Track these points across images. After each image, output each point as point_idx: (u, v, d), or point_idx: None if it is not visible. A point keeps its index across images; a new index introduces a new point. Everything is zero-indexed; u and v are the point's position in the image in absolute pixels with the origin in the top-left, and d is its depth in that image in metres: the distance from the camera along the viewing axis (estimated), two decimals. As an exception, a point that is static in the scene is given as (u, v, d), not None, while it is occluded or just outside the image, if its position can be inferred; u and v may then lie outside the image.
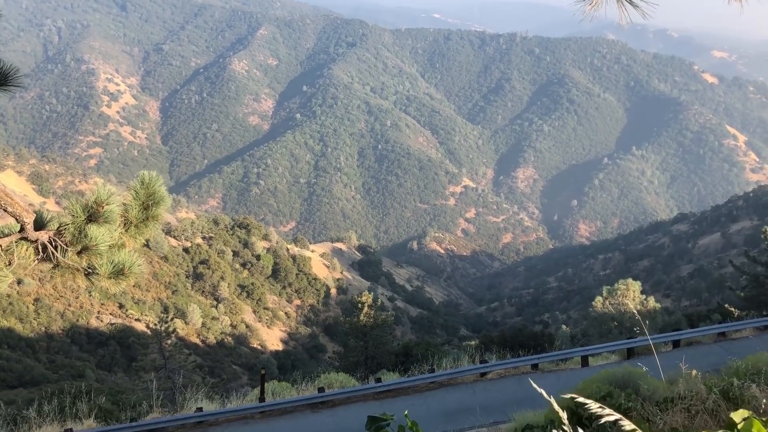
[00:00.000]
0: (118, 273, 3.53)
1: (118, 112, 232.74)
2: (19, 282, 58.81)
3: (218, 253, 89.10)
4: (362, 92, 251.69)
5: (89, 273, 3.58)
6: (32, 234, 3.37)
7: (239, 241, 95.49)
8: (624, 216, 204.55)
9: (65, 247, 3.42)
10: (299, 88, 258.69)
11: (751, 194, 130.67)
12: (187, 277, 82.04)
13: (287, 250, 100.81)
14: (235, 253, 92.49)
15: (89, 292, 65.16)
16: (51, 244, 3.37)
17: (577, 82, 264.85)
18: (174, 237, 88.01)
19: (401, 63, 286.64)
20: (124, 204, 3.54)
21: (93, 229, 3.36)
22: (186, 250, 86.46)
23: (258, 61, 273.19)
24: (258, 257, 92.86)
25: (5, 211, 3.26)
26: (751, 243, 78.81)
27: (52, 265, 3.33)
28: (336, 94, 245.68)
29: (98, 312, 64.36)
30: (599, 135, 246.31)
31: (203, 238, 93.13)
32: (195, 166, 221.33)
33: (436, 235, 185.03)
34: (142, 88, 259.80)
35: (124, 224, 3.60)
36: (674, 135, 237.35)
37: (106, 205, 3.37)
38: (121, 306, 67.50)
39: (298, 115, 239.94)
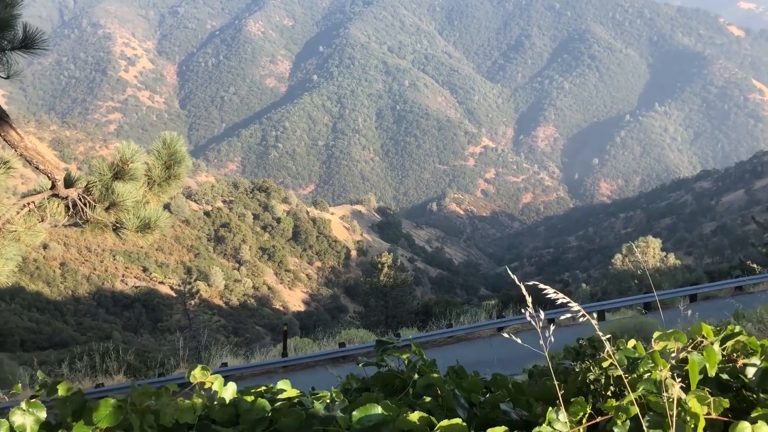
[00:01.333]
0: (145, 227, 3.67)
1: (135, 76, 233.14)
2: (45, 246, 60.04)
3: (239, 217, 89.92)
4: (379, 52, 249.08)
5: (117, 228, 3.69)
6: (63, 191, 3.45)
7: (259, 205, 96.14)
8: (646, 174, 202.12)
9: (93, 203, 3.54)
10: (316, 49, 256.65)
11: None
12: (208, 240, 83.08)
13: (307, 212, 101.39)
14: (256, 216, 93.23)
15: (114, 256, 66.40)
16: (80, 201, 3.53)
17: (598, 37, 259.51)
18: (195, 201, 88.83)
19: (419, 21, 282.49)
20: (147, 164, 3.74)
21: (119, 186, 3.47)
22: (207, 213, 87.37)
23: (274, 22, 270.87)
24: (278, 220, 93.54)
25: (37, 168, 3.41)
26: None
27: (82, 221, 3.56)
28: (353, 54, 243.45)
29: (123, 275, 65.62)
30: (621, 92, 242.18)
31: (224, 201, 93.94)
32: (213, 129, 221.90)
33: (456, 196, 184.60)
34: (159, 51, 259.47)
35: (148, 183, 3.69)
36: (698, 90, 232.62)
37: (131, 163, 3.48)
38: (144, 269, 68.69)
39: (315, 77, 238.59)
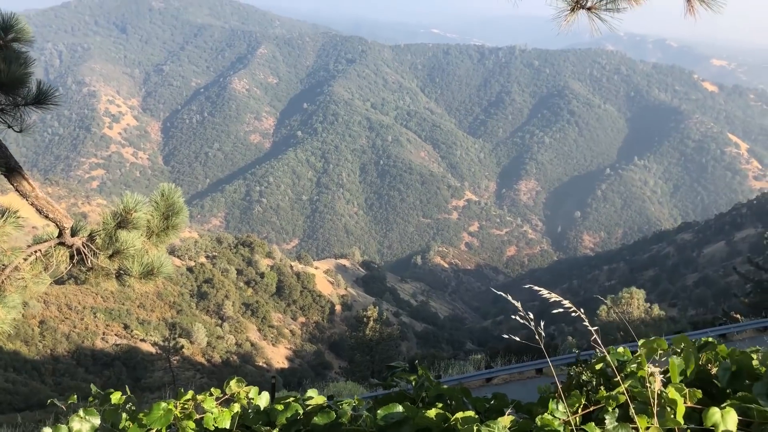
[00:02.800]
0: (148, 273, 3.82)
1: (119, 133, 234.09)
2: (25, 305, 58.83)
3: (222, 272, 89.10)
4: (363, 108, 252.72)
5: (120, 275, 3.84)
6: (69, 239, 3.58)
7: (243, 260, 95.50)
8: (628, 226, 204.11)
9: (97, 251, 3.66)
10: (300, 106, 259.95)
11: (755, 202, 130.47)
12: (191, 296, 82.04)
13: (291, 267, 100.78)
14: (239, 272, 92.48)
15: (94, 314, 65.21)
16: (85, 249, 3.64)
17: (577, 93, 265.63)
18: (178, 257, 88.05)
19: (401, 78, 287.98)
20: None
21: (123, 235, 3.59)
22: (190, 269, 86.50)
23: (258, 80, 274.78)
24: (262, 275, 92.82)
25: (47, 217, 3.58)
26: (756, 250, 78.55)
27: (86, 269, 3.70)
28: (337, 110, 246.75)
29: (103, 333, 64.32)
30: (601, 146, 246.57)
31: (207, 257, 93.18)
32: (197, 185, 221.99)
33: (440, 249, 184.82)
34: (144, 109, 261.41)
35: (147, 233, 3.77)
36: (676, 144, 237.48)
37: (134, 212, 3.59)
38: (126, 327, 67.46)
39: (299, 133, 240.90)
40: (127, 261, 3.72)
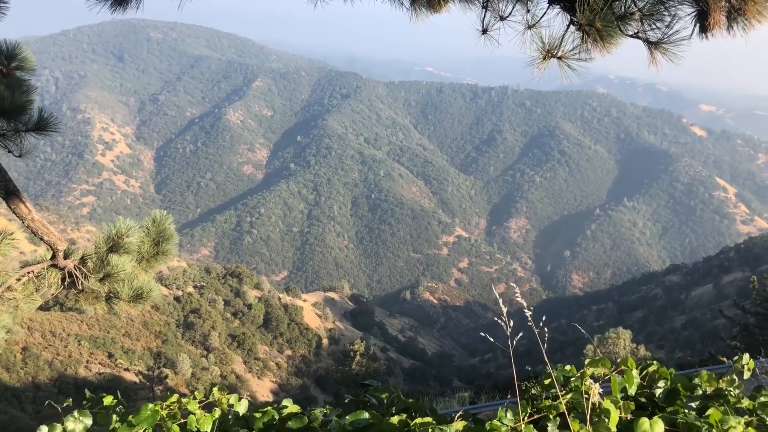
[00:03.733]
0: (138, 297, 3.92)
1: (112, 161, 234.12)
2: (8, 331, 58.11)
3: (209, 303, 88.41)
4: (356, 142, 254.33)
5: (110, 298, 3.94)
6: (62, 262, 3.70)
7: (231, 290, 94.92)
8: (617, 267, 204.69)
9: (88, 274, 3.77)
10: (293, 138, 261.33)
11: (742, 246, 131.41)
12: (177, 326, 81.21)
13: (279, 299, 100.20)
14: (227, 302, 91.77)
15: (78, 341, 64.39)
16: (77, 271, 3.72)
17: (568, 134, 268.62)
18: (166, 286, 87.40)
19: (394, 114, 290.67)
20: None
21: (115, 259, 3.70)
22: (177, 299, 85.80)
23: (253, 112, 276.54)
24: (249, 306, 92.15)
25: (42, 239, 3.69)
26: (743, 294, 78.85)
27: (76, 291, 3.79)
28: (330, 144, 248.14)
29: (87, 361, 63.42)
30: (591, 186, 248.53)
31: (195, 287, 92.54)
32: (188, 215, 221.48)
33: (429, 285, 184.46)
34: (137, 137, 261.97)
35: (137, 258, 3.83)
36: (665, 187, 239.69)
37: (126, 237, 3.66)
38: (110, 355, 66.56)
39: (292, 165, 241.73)
40: (118, 284, 3.78)
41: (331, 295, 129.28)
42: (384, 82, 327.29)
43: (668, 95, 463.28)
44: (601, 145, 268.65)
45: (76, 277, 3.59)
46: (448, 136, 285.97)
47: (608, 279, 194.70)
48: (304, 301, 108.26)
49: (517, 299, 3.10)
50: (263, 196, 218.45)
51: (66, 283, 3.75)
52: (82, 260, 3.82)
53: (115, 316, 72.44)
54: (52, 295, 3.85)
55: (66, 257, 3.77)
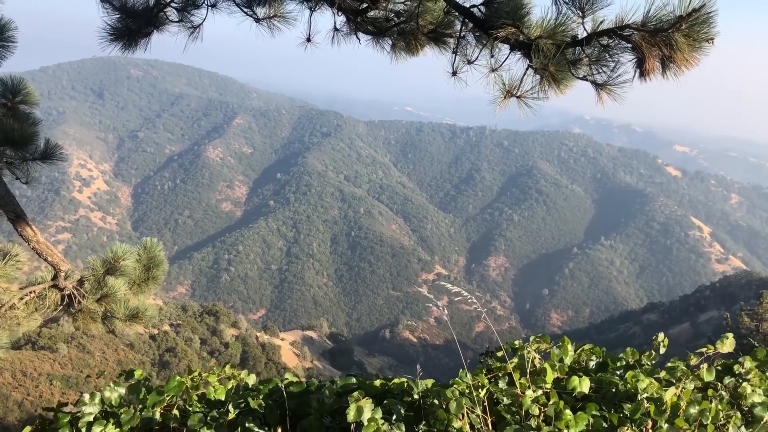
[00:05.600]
0: (134, 316, 4.06)
1: (89, 197, 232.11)
2: (6, 349, 56.74)
3: (186, 341, 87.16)
4: (336, 180, 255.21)
5: (106, 317, 4.22)
6: (62, 283, 3.88)
7: (207, 329, 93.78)
8: (595, 305, 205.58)
9: (85, 295, 3.86)
10: (273, 176, 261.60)
11: (718, 284, 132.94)
12: (152, 365, 79.82)
13: (256, 337, 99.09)
14: (203, 341, 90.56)
15: (50, 381, 62.99)
16: (75, 292, 3.87)
17: (545, 173, 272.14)
18: (121, 328, 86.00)
19: (374, 153, 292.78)
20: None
21: (111, 280, 3.91)
22: (153, 337, 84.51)
23: (233, 149, 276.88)
24: (226, 345, 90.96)
25: (45, 260, 3.86)
26: (719, 332, 79.52)
27: (74, 311, 3.98)
28: (310, 181, 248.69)
29: (58, 401, 61.96)
30: (568, 225, 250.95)
31: (171, 325, 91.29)
32: (165, 252, 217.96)
33: (409, 323, 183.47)
34: (115, 173, 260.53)
35: (128, 283, 4.04)
36: (641, 226, 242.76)
37: (123, 261, 3.90)
38: (82, 395, 65.05)
39: (271, 202, 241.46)
40: (115, 305, 3.99)
41: (310, 333, 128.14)
42: (364, 121, 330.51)
43: (643, 136, 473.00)
44: (578, 185, 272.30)
45: (75, 297, 3.92)
46: (427, 175, 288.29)
47: (587, 317, 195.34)
48: (282, 339, 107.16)
49: (469, 298, 3.99)
50: (242, 234, 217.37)
51: (65, 303, 4.03)
52: (80, 282, 4.01)
53: (89, 355, 71.15)
54: (53, 314, 4.09)
55: (65, 279, 4.00)
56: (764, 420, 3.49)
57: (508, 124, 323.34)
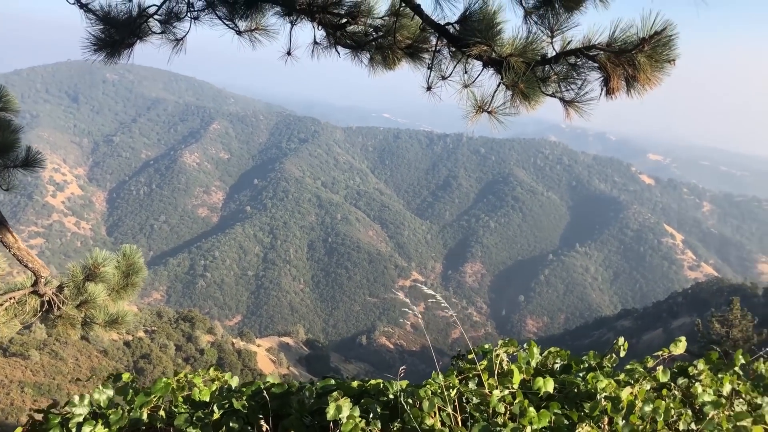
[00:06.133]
0: (114, 322, 4.15)
1: (63, 202, 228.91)
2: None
3: (160, 348, 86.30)
4: (313, 186, 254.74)
5: (86, 323, 4.25)
6: (42, 289, 3.90)
7: (183, 335, 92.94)
8: (570, 311, 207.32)
9: (65, 301, 3.90)
10: (250, 182, 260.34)
11: (690, 291, 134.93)
12: (127, 372, 78.83)
13: (232, 344, 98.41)
14: (178, 348, 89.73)
15: (22, 388, 61.96)
16: (55, 298, 3.89)
17: (521, 180, 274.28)
18: (101, 333, 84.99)
19: (352, 159, 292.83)
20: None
21: (91, 287, 3.97)
22: (127, 344, 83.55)
23: (210, 155, 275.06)
24: (202, 352, 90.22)
25: (26, 267, 3.86)
26: (691, 338, 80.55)
27: (54, 316, 4.01)
28: (287, 187, 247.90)
29: (30, 409, 60.90)
30: (544, 232, 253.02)
31: (145, 331, 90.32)
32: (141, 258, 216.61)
33: (386, 329, 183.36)
34: (90, 178, 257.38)
35: (107, 289, 4.13)
36: (615, 233, 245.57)
37: (102, 267, 3.89)
38: (55, 402, 64.08)
39: (248, 208, 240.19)
40: (94, 310, 3.97)
41: (286, 339, 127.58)
42: (342, 127, 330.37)
43: (617, 144, 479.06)
44: (553, 192, 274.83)
45: (55, 303, 3.93)
46: (404, 181, 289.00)
47: (562, 323, 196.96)
48: (258, 346, 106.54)
49: (432, 294, 4.52)
50: (218, 239, 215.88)
51: (44, 309, 4.04)
52: (60, 288, 4.04)
53: (62, 362, 70.14)
54: (33, 320, 4.14)
55: (44, 285, 4.02)
56: (710, 416, 3.79)
57: (485, 131, 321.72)
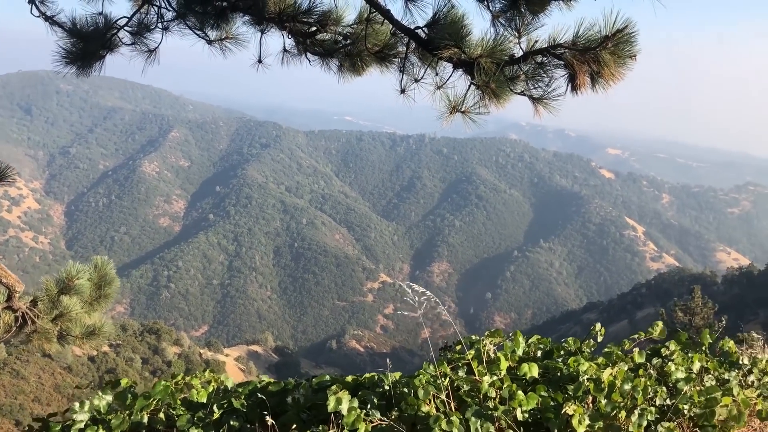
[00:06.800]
0: (91, 334, 4.18)
1: (19, 216, 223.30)
2: None
3: (126, 361, 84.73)
4: (277, 191, 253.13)
5: (62, 336, 4.25)
6: (16, 304, 3.92)
7: (149, 348, 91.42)
8: (537, 307, 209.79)
9: (39, 315, 3.92)
10: (212, 189, 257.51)
11: (653, 282, 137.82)
12: (92, 388, 77.20)
13: (200, 354, 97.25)
14: (145, 361, 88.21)
15: (-18, 410, 60.23)
16: (29, 312, 3.91)
17: (484, 179, 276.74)
18: (79, 346, 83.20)
19: (315, 163, 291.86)
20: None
21: (66, 300, 3.98)
22: (92, 359, 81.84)
23: (169, 163, 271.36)
24: (169, 364, 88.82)
25: (0, 282, 3.87)
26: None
27: (29, 331, 4.03)
28: (250, 193, 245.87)
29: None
30: (508, 229, 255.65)
31: (110, 345, 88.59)
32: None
33: (355, 332, 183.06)
34: (47, 191, 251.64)
35: (81, 302, 4.10)
36: (578, 227, 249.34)
37: (77, 279, 3.90)
38: (17, 423, 62.48)
39: (211, 216, 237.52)
40: (70, 323, 3.98)
41: (255, 348, 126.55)
42: (304, 131, 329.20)
43: (576, 140, 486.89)
44: (516, 189, 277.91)
45: (29, 317, 3.96)
46: (369, 183, 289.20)
47: (529, 319, 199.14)
48: (227, 355, 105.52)
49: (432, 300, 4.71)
50: (181, 249, 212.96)
51: (18, 324, 4.06)
52: (33, 302, 4.06)
53: (23, 381, 68.40)
54: (6, 336, 4.13)
55: (18, 299, 4.02)
56: (683, 391, 4.16)
57: (447, 131, 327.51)
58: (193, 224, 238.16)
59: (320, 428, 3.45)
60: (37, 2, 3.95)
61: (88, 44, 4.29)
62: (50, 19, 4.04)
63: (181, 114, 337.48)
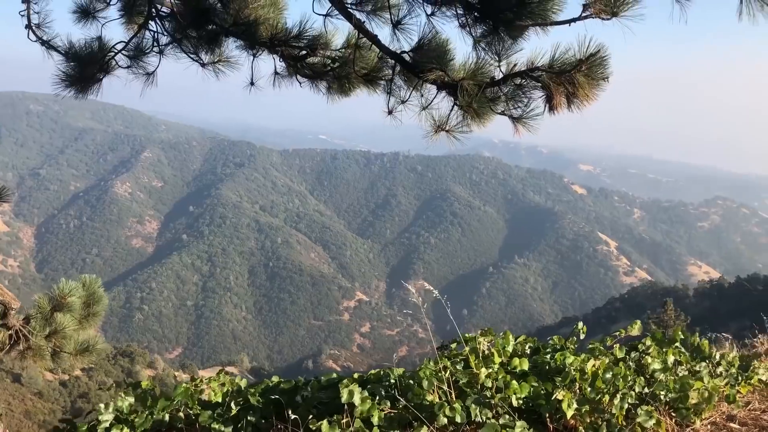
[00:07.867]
0: (85, 350, 4.27)
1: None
2: None
3: (99, 386, 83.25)
4: (251, 211, 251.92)
5: (55, 353, 4.39)
6: (11, 321, 3.98)
7: (122, 371, 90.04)
8: (513, 323, 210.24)
9: (32, 332, 3.97)
10: (186, 209, 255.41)
11: (626, 296, 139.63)
12: (64, 413, 75.66)
13: (175, 377, 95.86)
14: (118, 384, 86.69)
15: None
16: (23, 330, 3.97)
17: (458, 196, 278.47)
18: (50, 371, 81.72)
19: (290, 182, 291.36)
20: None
21: (59, 317, 4.09)
22: (63, 384, 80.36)
23: (142, 183, 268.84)
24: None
25: None
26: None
27: (24, 348, 4.10)
28: (224, 213, 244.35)
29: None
30: (483, 245, 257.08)
31: (82, 369, 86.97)
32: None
33: (332, 352, 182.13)
34: (16, 214, 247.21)
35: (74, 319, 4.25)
36: (552, 243, 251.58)
37: (69, 297, 3.96)
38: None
39: (184, 236, 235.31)
40: (64, 340, 4.07)
41: (230, 369, 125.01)
42: (278, 150, 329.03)
43: (549, 156, 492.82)
44: (490, 206, 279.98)
45: (23, 334, 4.00)
46: (344, 202, 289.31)
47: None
48: (201, 378, 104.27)
49: (434, 294, 5.44)
50: (154, 270, 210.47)
51: (12, 342, 4.11)
52: (26, 320, 4.15)
53: (-7, 408, 66.71)
54: (1, 354, 4.21)
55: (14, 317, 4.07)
56: (659, 379, 4.66)
57: (420, 149, 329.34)
58: (167, 245, 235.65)
59: (335, 417, 3.79)
60: (33, 27, 4.07)
61: (87, 68, 4.45)
62: (47, 44, 4.17)
63: (153, 134, 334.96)
